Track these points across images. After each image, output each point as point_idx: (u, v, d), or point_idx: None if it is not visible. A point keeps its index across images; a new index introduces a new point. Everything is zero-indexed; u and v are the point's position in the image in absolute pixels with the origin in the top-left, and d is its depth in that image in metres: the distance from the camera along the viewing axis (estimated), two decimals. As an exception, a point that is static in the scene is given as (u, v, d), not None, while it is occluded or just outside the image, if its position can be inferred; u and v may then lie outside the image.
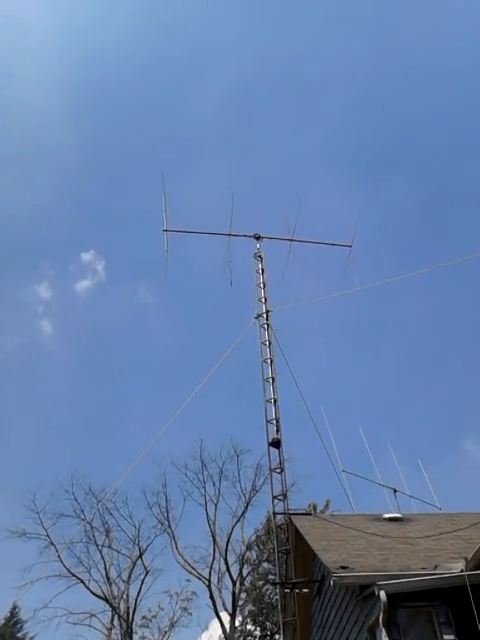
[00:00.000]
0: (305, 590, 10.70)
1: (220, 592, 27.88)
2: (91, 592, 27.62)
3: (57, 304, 44.14)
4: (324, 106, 43.61)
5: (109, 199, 45.84)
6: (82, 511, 28.52)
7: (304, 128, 43.85)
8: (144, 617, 27.72)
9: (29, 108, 43.00)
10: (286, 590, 10.67)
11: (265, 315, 12.70)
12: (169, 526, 28.91)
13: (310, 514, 12.54)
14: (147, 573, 28.39)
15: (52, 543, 27.49)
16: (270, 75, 43.56)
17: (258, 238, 13.79)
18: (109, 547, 28.96)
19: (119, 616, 27.39)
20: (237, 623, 27.19)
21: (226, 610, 27.33)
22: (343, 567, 7.75)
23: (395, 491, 11.16)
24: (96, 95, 44.44)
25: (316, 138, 44.29)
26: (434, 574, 7.29)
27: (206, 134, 44.27)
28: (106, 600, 27.49)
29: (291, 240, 13.50)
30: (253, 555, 29.14)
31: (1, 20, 40.97)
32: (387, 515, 10.54)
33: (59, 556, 26.82)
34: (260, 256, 13.59)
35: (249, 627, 27.48)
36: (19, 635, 29.84)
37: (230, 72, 43.27)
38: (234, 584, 27.90)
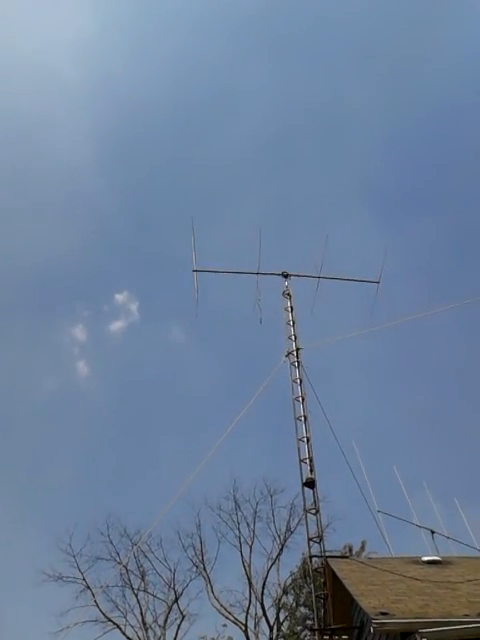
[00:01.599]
0: (345, 637, 10.37)
1: (257, 638, 27.14)
2: (127, 638, 27.18)
3: (92, 345, 44.82)
4: (351, 143, 44.16)
5: (140, 241, 46.74)
6: (117, 554, 28.30)
7: (331, 166, 44.34)
8: (181, 664, 27.11)
9: (63, 156, 44.63)
10: (325, 637, 10.35)
11: (295, 353, 12.68)
12: (204, 569, 28.46)
13: (347, 557, 12.28)
14: (183, 618, 27.86)
15: (88, 587, 27.28)
16: (298, 113, 44.43)
17: (286, 276, 13.88)
18: (145, 591, 28.59)
19: (156, 663, 26.85)
20: (276, 671, 26.36)
21: (264, 657, 26.56)
22: (383, 613, 7.52)
23: (433, 532, 10.84)
24: (126, 140, 45.90)
25: (343, 175, 44.71)
26: (478, 621, 7.02)
27: (234, 174, 45.10)
28: (142, 646, 27.03)
29: (319, 277, 13.57)
30: (289, 599, 28.41)
31: (35, 71, 42.98)
32: (425, 558, 10.21)
33: (95, 600, 26.57)
34: (289, 294, 13.65)
35: (288, 675, 26.60)
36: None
37: (258, 112, 44.31)
38: (271, 629, 27.16)
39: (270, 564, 28.18)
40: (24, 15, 41.90)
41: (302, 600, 27.62)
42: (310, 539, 10.68)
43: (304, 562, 26.60)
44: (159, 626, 27.84)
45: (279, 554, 28.30)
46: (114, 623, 27.12)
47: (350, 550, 27.16)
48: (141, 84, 43.75)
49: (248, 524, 29.00)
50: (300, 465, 11.27)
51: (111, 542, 28.28)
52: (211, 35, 42.72)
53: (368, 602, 8.00)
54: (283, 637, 27.58)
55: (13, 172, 43.87)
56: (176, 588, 28.41)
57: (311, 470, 11.15)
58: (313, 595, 10.81)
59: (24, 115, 43.18)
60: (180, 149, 45.43)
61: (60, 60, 43.62)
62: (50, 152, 44.84)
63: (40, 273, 45.69)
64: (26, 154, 44.28)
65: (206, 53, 43.03)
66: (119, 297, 44.58)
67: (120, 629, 27.16)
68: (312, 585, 10.72)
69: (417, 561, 10.15)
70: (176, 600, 28.18)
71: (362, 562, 10.65)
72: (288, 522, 28.46)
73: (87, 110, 45.01)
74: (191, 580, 28.41)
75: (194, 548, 28.70)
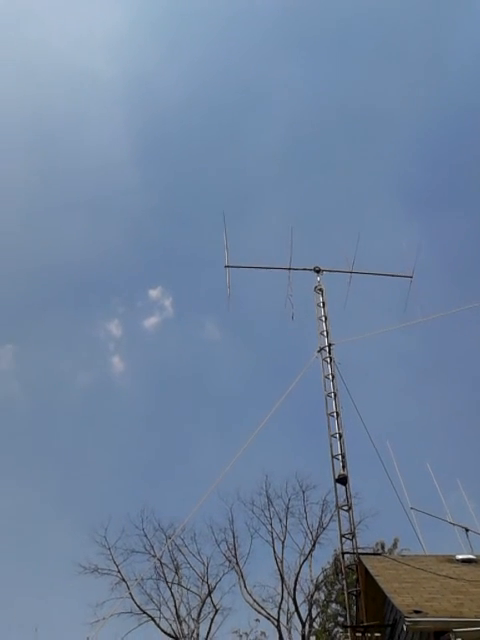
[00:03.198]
0: (377, 634, 10.31)
1: (289, 633, 27.15)
2: (162, 630, 27.48)
3: (127, 341, 45.24)
4: (383, 140, 43.70)
5: (174, 237, 47.15)
6: (152, 547, 28.61)
7: (363, 162, 43.94)
8: (214, 657, 27.30)
9: (98, 154, 45.21)
10: (357, 634, 10.30)
11: (327, 348, 12.61)
12: (237, 564, 28.56)
13: (380, 554, 12.18)
14: (216, 612, 28.04)
15: (123, 579, 27.65)
16: (328, 110, 44.14)
17: (318, 271, 13.79)
18: (179, 584, 28.84)
19: (189, 655, 27.11)
20: (308, 666, 26.34)
21: (296, 652, 26.55)
22: (416, 611, 7.46)
23: (467, 530, 10.67)
24: (159, 139, 46.32)
25: (375, 172, 44.26)
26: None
27: (266, 171, 44.98)
28: (176, 639, 27.28)
29: (351, 272, 13.46)
30: (321, 596, 28.31)
31: (68, 70, 43.61)
32: (460, 556, 10.07)
33: (130, 593, 26.88)
34: (321, 289, 13.56)
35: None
36: (90, 672, 29.92)
37: (289, 109, 44.16)
38: (303, 626, 27.11)
39: (302, 560, 28.15)
40: (57, 14, 42.59)
41: (334, 597, 27.50)
42: (342, 535, 10.64)
43: (336, 558, 26.48)
44: (193, 619, 28.11)
45: (311, 550, 28.24)
46: (148, 615, 27.46)
47: (382, 547, 26.92)
48: (174, 82, 44.05)
49: (280, 520, 29.00)
50: (332, 461, 11.23)
51: (145, 535, 28.60)
52: (244, 32, 42.73)
53: (401, 600, 7.94)
54: (315, 633, 27.52)
55: (48, 170, 44.72)
56: (209, 582, 28.62)
57: (343, 466, 11.10)
58: (345, 592, 10.76)
59: (58, 113, 43.95)
60: (213, 146, 45.59)
61: (93, 58, 44.19)
62: (84, 150, 45.47)
63: (76, 269, 46.43)
64: (61, 152, 45.06)
65: (238, 50, 43.06)
66: (153, 293, 44.98)
67: (154, 621, 27.50)
68: (344, 582, 10.66)
69: (451, 559, 10.03)
70: (209, 594, 28.38)
71: (395, 559, 10.57)
72: (320, 518, 28.37)
73: (120, 108, 45.52)
74: (224, 574, 28.56)
75: (227, 543, 28.84)
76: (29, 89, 43.73)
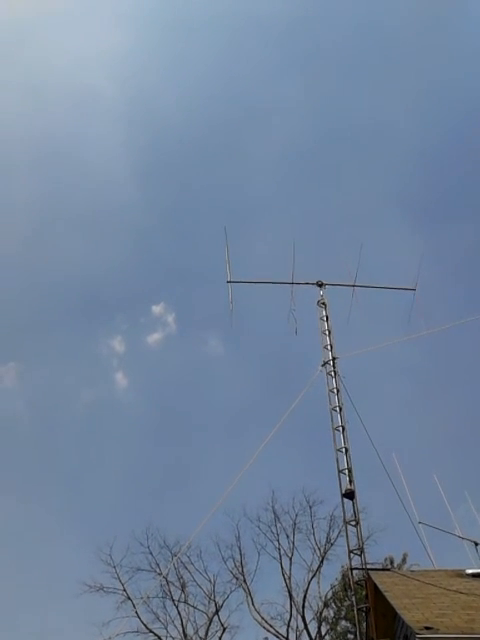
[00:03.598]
0: (387, 651, 10.17)
1: (299, 651, 26.80)
2: (169, 649, 27.17)
3: (130, 357, 45.29)
4: (385, 152, 43.97)
5: (176, 253, 47.36)
6: (157, 565, 28.34)
7: (365, 175, 44.20)
8: (222, 677, 26.92)
9: (100, 171, 45.62)
10: (368, 651, 10.18)
11: (332, 362, 12.58)
12: (244, 581, 28.24)
13: (389, 569, 12.05)
14: (224, 630, 27.70)
15: (129, 598, 27.37)
16: (329, 124, 44.53)
17: (321, 285, 13.81)
18: (185, 602, 28.52)
19: (197, 675, 26.76)
20: (318, 685, 25.95)
21: (306, 671, 26.18)
22: (427, 628, 7.37)
23: (476, 544, 10.56)
24: (160, 156, 46.74)
25: (377, 184, 44.47)
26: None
27: (267, 186, 45.28)
28: (183, 658, 26.98)
29: (354, 286, 13.47)
30: (331, 613, 27.97)
31: (71, 89, 44.11)
32: (470, 571, 9.95)
33: (136, 612, 26.62)
34: (324, 303, 13.57)
35: None
36: None
37: (290, 124, 44.60)
38: (313, 643, 26.78)
39: (310, 576, 27.85)
40: (59, 33, 43.16)
41: (343, 613, 27.17)
42: (351, 551, 10.55)
43: (344, 574, 26.22)
44: (200, 638, 27.76)
45: (319, 566, 27.94)
46: (155, 634, 27.14)
47: (391, 562, 26.65)
48: (175, 100, 44.56)
49: (288, 536, 28.71)
50: (339, 476, 11.17)
51: (151, 553, 28.34)
52: (245, 50, 43.27)
53: (411, 616, 7.85)
54: (325, 651, 27.19)
55: (51, 188, 45.04)
56: (216, 600, 28.30)
57: (350, 481, 11.03)
58: (355, 608, 10.65)
59: (61, 131, 44.42)
60: (214, 163, 45.97)
61: (95, 77, 44.77)
62: (86, 167, 45.88)
63: (79, 286, 46.69)
64: (63, 170, 45.45)
65: (239, 67, 43.57)
66: (156, 309, 45.16)
67: (161, 640, 27.19)
68: (354, 598, 10.54)
69: (461, 574, 9.91)
70: (217, 612, 28.07)
71: (404, 575, 10.46)
72: (328, 534, 28.08)
73: (122, 126, 46.00)
74: (231, 592, 28.24)
75: (234, 560, 28.56)
76: (32, 107, 44.34)
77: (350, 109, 42.84)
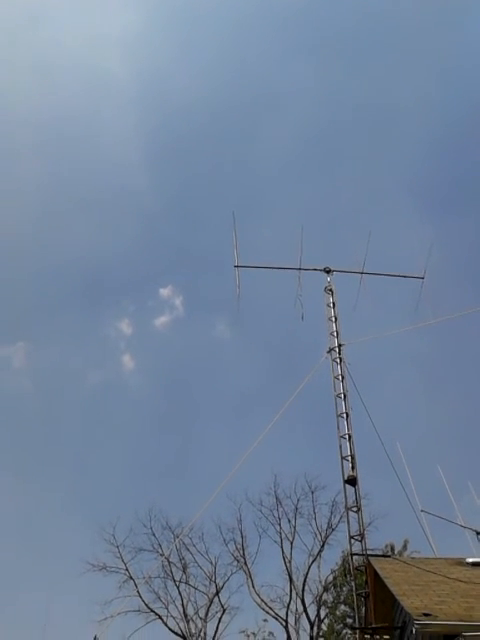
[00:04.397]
0: (386, 637, 10.25)
1: (297, 634, 27.08)
2: (169, 629, 27.50)
3: (138, 339, 45.42)
4: (395, 139, 43.52)
5: (185, 236, 47.27)
6: (160, 546, 28.64)
7: (375, 162, 43.78)
8: (221, 657, 27.26)
9: (110, 154, 45.43)
10: (366, 636, 10.25)
11: (337, 349, 12.55)
12: (245, 563, 28.51)
13: (389, 556, 12.11)
14: (224, 611, 28.02)
15: (131, 577, 27.70)
16: (340, 110, 44.08)
17: (328, 272, 13.73)
18: (186, 583, 28.85)
19: (196, 655, 27.11)
20: (316, 667, 26.26)
21: (304, 653, 26.48)
22: (426, 614, 7.41)
23: (478, 533, 10.59)
24: (171, 139, 46.42)
25: (387, 172, 44.10)
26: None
27: (276, 171, 45.01)
28: (184, 638, 27.28)
29: (361, 273, 13.39)
30: (330, 597, 28.20)
31: (83, 71, 43.81)
32: (470, 560, 9.99)
33: (138, 591, 26.95)
34: (331, 290, 13.50)
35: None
36: (98, 670, 29.97)
37: (301, 109, 44.14)
38: (312, 627, 27.03)
39: (311, 561, 28.09)
40: (70, 14, 42.75)
41: (343, 598, 27.40)
42: (351, 537, 10.59)
43: (344, 560, 26.40)
44: (200, 618, 28.11)
45: (320, 551, 28.15)
46: (156, 614, 27.48)
47: (392, 549, 26.80)
48: (186, 83, 44.10)
49: (289, 520, 28.91)
50: (342, 462, 11.18)
51: (153, 534, 28.62)
52: (257, 34, 42.75)
53: (410, 602, 7.90)
54: (323, 635, 27.44)
55: (61, 170, 44.90)
56: (217, 581, 28.60)
57: (353, 467, 11.05)
58: (354, 593, 10.72)
59: (72, 113, 44.11)
60: (224, 147, 45.69)
61: (106, 59, 44.33)
62: (97, 150, 45.72)
63: (87, 268, 46.73)
64: (74, 152, 45.27)
65: (251, 51, 43.07)
66: (164, 292, 45.13)
67: (162, 620, 27.51)
68: (353, 583, 10.60)
69: (461, 562, 9.95)
70: (217, 593, 28.37)
71: (405, 561, 10.52)
72: (329, 519, 28.25)
73: (133, 108, 45.69)
74: (232, 574, 28.53)
75: (235, 542, 28.81)
76: (43, 89, 44.05)
77: (360, 95, 42.43)
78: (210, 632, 27.65)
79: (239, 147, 45.29)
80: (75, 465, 39.03)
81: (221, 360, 44.76)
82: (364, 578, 10.54)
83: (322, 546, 28.11)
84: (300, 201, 41.94)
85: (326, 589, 27.95)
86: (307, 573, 27.72)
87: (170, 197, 48.14)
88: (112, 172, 46.30)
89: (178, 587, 28.44)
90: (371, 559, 10.22)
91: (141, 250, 47.90)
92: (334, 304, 13.27)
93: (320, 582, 27.96)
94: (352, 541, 10.56)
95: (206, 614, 28.07)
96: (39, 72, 43.30)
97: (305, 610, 27.22)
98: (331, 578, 28.15)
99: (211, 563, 28.87)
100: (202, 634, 27.72)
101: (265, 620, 27.46)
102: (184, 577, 28.83)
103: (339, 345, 12.60)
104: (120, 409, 43.54)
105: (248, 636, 27.55)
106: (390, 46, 42.22)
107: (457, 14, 40.45)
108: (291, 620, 27.12)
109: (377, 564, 9.89)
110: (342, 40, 42.69)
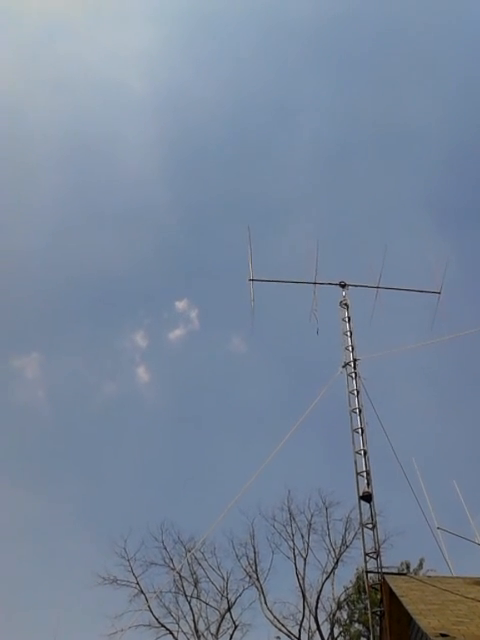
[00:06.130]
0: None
1: (311, 652, 26.73)
2: (180, 645, 27.28)
3: (152, 352, 45.50)
4: (412, 153, 43.64)
5: (201, 250, 47.43)
6: (171, 560, 28.50)
7: (390, 177, 43.84)
8: (233, 674, 26.96)
9: (129, 168, 45.92)
10: (381, 655, 10.10)
11: (353, 364, 12.50)
12: (257, 579, 28.28)
13: (405, 574, 11.93)
14: (236, 627, 27.76)
15: (142, 591, 27.55)
16: (357, 125, 44.32)
17: (343, 286, 13.71)
18: (198, 598, 28.64)
19: (207, 672, 26.84)
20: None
21: (317, 672, 26.12)
22: (443, 634, 7.28)
23: (496, 553, 10.43)
24: (188, 154, 46.82)
25: (403, 186, 44.11)
26: None
27: (293, 185, 45.17)
28: (194, 654, 27.07)
29: (377, 288, 13.36)
30: (344, 615, 27.85)
31: (103, 85, 44.46)
32: (489, 579, 9.84)
33: (149, 606, 26.79)
34: (346, 304, 13.47)
35: None
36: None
37: (318, 123, 44.48)
38: (325, 645, 26.69)
39: (325, 578, 27.78)
40: (90, 29, 43.50)
41: (357, 616, 27.05)
42: (366, 554, 10.46)
43: (358, 577, 26.09)
44: (211, 634, 27.86)
45: (334, 568, 27.86)
46: (167, 629, 27.29)
47: (407, 567, 26.43)
48: (206, 98, 44.56)
49: (302, 536, 28.68)
50: (357, 478, 11.08)
51: (165, 548, 28.51)
52: (275, 50, 43.24)
53: (428, 622, 7.77)
54: (337, 653, 27.09)
55: (80, 183, 45.46)
56: (229, 597, 28.37)
57: (368, 484, 10.95)
58: (369, 612, 10.58)
59: (91, 128, 44.75)
60: (242, 161, 45.93)
61: (126, 73, 44.99)
62: (116, 164, 46.25)
63: (103, 280, 47.09)
64: (93, 166, 45.86)
65: (269, 67, 43.52)
66: (179, 305, 45.24)
67: (173, 635, 27.31)
68: (368, 601, 10.46)
69: (479, 582, 9.79)
70: (229, 609, 28.12)
71: (421, 580, 10.36)
72: (344, 536, 28.00)
73: (152, 123, 46.19)
74: (244, 590, 28.31)
75: (248, 558, 28.61)
76: (63, 103, 44.72)
77: (378, 110, 42.58)
78: (222, 649, 27.40)
79: (256, 162, 45.57)
80: (87, 477, 39.14)
81: (236, 374, 44.74)
82: (379, 596, 10.40)
83: (336, 563, 27.83)
84: (316, 215, 42.07)
85: (340, 607, 27.62)
86: (320, 590, 27.43)
87: (187, 211, 48.53)
88: (130, 186, 46.79)
89: (189, 602, 28.25)
90: (386, 577, 10.08)
91: (157, 263, 48.29)
92: (349, 318, 13.23)
93: (334, 600, 27.65)
94: (367, 558, 10.43)
95: (217, 630, 27.81)
96: (58, 87, 44.07)
97: (318, 628, 26.90)
98: (345, 596, 27.83)
99: (223, 578, 28.69)
100: (213, 651, 27.46)
101: (278, 638, 27.17)
102: (195, 592, 28.65)
103: (354, 360, 12.54)
104: (134, 421, 43.60)
105: (260, 653, 27.28)
106: (407, 61, 42.46)
107: (475, 29, 40.62)
108: (304, 638, 26.83)
109: (393, 582, 9.75)
110: (359, 56, 43.04)
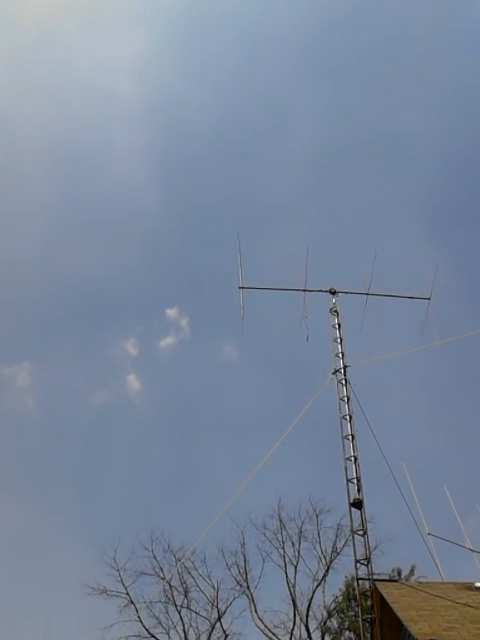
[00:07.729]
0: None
1: (302, 661, 26.58)
2: (170, 655, 27.04)
3: (144, 360, 45.34)
4: (402, 160, 43.92)
5: (191, 258, 47.43)
6: (161, 570, 28.26)
7: (380, 183, 44.14)
8: (223, 684, 26.75)
9: (119, 176, 45.90)
10: (372, 663, 10.08)
11: (343, 370, 12.54)
12: (248, 588, 28.09)
13: (396, 580, 11.94)
14: (226, 637, 27.53)
15: (132, 602, 27.29)
16: (348, 132, 44.64)
17: (333, 293, 13.77)
18: (188, 608, 28.41)
19: (198, 682, 26.61)
20: None
21: (308, 681, 25.96)
22: (434, 640, 7.28)
23: (486, 557, 10.44)
24: (179, 161, 46.87)
25: (392, 192, 44.41)
26: None
27: (284, 192, 45.32)
28: (185, 664, 26.84)
29: (367, 294, 13.42)
30: (334, 623, 27.74)
31: (93, 93, 44.49)
32: (479, 584, 9.84)
33: (139, 616, 26.55)
34: (336, 311, 13.52)
35: None
36: None
37: (310, 131, 44.71)
38: (316, 653, 26.56)
39: (315, 585, 27.67)
40: (81, 36, 43.56)
41: (348, 624, 26.95)
42: (357, 561, 10.46)
43: (348, 584, 26.04)
44: (202, 644, 27.64)
45: (325, 575, 27.74)
46: (157, 639, 27.08)
47: (399, 574, 26.39)
48: (197, 105, 44.72)
49: (293, 543, 28.53)
50: (347, 485, 11.10)
51: (155, 557, 28.22)
52: (267, 56, 43.49)
53: (418, 628, 7.77)
54: (328, 661, 26.93)
55: (70, 192, 45.39)
56: (219, 606, 28.16)
57: (358, 490, 10.95)
58: (360, 619, 10.56)
59: (81, 135, 44.74)
60: (233, 169, 46.06)
61: (117, 81, 45.05)
62: (106, 172, 46.21)
63: (94, 289, 46.91)
64: (83, 174, 45.78)
65: (261, 74, 43.77)
66: (170, 313, 45.16)
67: (163, 645, 27.08)
68: (359, 609, 10.45)
69: (470, 587, 9.80)
70: (219, 618, 27.92)
71: (412, 586, 10.35)
72: (334, 543, 27.88)
73: (143, 131, 46.25)
74: (234, 598, 28.09)
75: (238, 566, 28.41)
76: (53, 111, 44.70)
77: (370, 116, 42.95)
78: (212, 659, 27.19)
79: (247, 169, 45.75)
80: (77, 486, 38.81)
81: (227, 382, 44.67)
82: (370, 603, 10.38)
83: (327, 570, 27.70)
84: (306, 222, 42.26)
85: (331, 615, 27.50)
86: (311, 598, 27.27)
87: (178, 219, 48.58)
88: (121, 194, 46.78)
89: (179, 612, 28.00)
90: (377, 584, 10.07)
91: (148, 271, 48.19)
92: (339, 325, 13.29)
93: (325, 607, 27.54)
94: (358, 565, 10.42)
95: (208, 640, 27.62)
96: (48, 94, 44.06)
97: (309, 636, 26.73)
98: (336, 603, 27.73)
99: (213, 587, 28.44)
100: (204, 661, 27.24)
101: (268, 646, 27.00)
102: (185, 602, 28.40)
103: (344, 366, 12.59)
104: (124, 430, 43.37)
105: (251, 663, 27.07)
106: (399, 68, 42.82)
107: (471, 40, 41.12)
108: (295, 647, 26.67)
109: (384, 589, 9.74)
110: (351, 63, 43.40)
